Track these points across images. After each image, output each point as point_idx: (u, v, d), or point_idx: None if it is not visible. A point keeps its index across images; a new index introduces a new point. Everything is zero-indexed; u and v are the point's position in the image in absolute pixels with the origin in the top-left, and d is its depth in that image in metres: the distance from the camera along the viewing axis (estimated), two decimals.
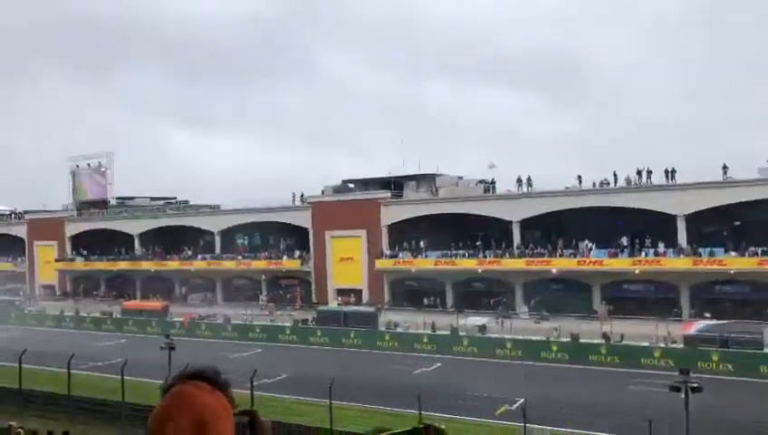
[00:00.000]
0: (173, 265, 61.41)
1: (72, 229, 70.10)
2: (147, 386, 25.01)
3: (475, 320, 40.64)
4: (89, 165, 70.81)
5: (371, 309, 45.44)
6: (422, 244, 50.55)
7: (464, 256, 48.09)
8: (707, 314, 39.22)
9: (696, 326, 34.65)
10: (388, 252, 51.24)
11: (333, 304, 50.44)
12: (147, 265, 62.96)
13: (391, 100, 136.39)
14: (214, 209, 65.65)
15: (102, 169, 70.05)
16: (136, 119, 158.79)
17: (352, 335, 41.18)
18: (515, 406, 24.11)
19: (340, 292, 52.87)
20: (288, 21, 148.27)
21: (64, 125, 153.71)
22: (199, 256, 60.90)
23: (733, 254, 39.93)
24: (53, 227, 70.16)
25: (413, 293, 51.40)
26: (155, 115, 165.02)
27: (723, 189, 41.21)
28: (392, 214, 51.54)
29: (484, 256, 47.19)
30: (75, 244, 70.04)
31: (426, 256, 49.44)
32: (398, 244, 51.46)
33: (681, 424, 18.70)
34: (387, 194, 52.34)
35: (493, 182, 50.34)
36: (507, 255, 46.58)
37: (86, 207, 71.28)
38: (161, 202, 73.23)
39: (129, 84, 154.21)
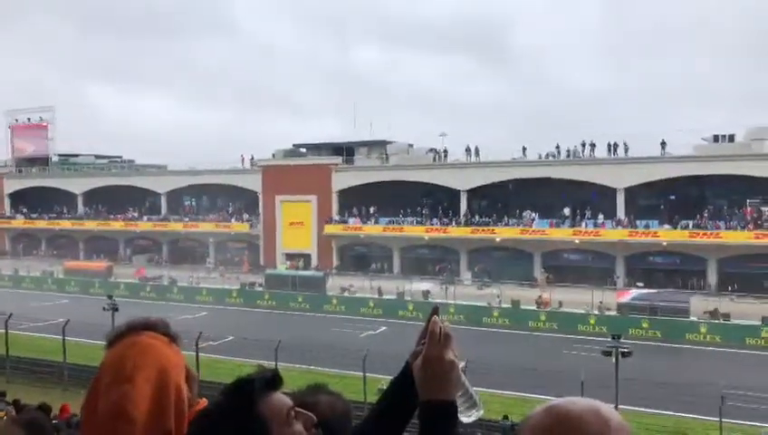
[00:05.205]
0: (117, 225, 60.12)
1: (10, 186, 67.48)
2: (89, 346, 24.82)
3: (420, 285, 41.48)
4: (29, 119, 67.99)
5: (320, 273, 45.78)
6: (371, 210, 50.98)
7: (411, 223, 48.80)
8: (640, 284, 41.18)
9: (628, 295, 36.28)
10: (337, 217, 51.47)
11: (282, 267, 50.57)
12: (90, 225, 61.43)
13: (341, 67, 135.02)
14: (160, 169, 64.21)
15: (43, 124, 67.40)
16: (69, 76, 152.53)
17: (300, 299, 41.45)
18: None
19: (289, 256, 52.97)
20: None
21: None
22: (145, 217, 59.77)
23: (666, 226, 41.84)
24: None
25: (361, 258, 51.94)
26: (91, 74, 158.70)
27: (660, 164, 42.87)
28: (343, 180, 51.63)
29: (431, 224, 48.02)
30: (15, 201, 67.54)
31: (374, 223, 49.93)
32: (348, 209, 51.71)
33: (611, 385, 19.85)
34: (338, 159, 52.31)
35: (445, 151, 50.93)
36: (454, 223, 47.52)
37: (26, 163, 68.63)
38: (106, 160, 71.17)
39: (66, 44, 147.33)
